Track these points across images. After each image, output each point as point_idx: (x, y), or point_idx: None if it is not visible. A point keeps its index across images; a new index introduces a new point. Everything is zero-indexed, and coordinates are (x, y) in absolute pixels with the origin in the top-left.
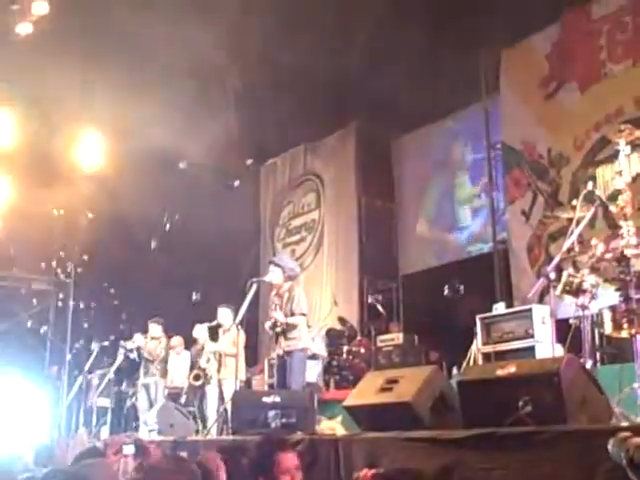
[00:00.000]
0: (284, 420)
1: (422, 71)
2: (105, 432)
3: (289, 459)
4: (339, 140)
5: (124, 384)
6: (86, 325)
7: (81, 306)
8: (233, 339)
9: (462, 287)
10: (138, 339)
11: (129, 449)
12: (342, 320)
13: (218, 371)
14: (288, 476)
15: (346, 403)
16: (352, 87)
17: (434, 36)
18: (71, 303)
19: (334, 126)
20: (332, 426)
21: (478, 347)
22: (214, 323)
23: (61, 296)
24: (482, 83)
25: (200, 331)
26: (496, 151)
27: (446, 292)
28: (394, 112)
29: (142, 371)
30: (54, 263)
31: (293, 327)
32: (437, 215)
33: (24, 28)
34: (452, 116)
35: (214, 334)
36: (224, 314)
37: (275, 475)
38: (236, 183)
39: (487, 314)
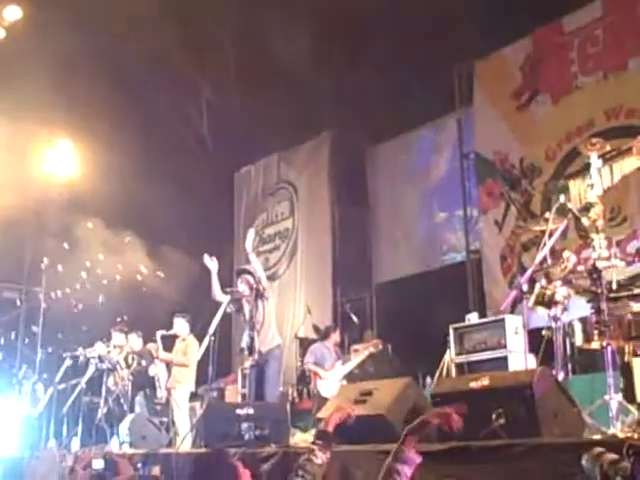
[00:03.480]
0: (257, 432)
1: (396, 81)
2: (76, 444)
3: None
4: (313, 149)
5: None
6: (58, 334)
7: (50, 315)
8: (183, 349)
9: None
10: (99, 347)
11: (98, 464)
12: (316, 328)
13: (167, 380)
14: None
15: (319, 415)
16: (326, 95)
17: (409, 47)
18: (41, 311)
19: (308, 134)
20: (306, 439)
21: (451, 357)
22: (170, 332)
23: (30, 305)
24: (456, 94)
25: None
26: (469, 161)
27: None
28: (368, 121)
29: (106, 380)
30: (23, 271)
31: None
32: (411, 224)
33: None
34: (426, 126)
35: (168, 343)
36: (179, 324)
37: None
38: None
39: (460, 324)
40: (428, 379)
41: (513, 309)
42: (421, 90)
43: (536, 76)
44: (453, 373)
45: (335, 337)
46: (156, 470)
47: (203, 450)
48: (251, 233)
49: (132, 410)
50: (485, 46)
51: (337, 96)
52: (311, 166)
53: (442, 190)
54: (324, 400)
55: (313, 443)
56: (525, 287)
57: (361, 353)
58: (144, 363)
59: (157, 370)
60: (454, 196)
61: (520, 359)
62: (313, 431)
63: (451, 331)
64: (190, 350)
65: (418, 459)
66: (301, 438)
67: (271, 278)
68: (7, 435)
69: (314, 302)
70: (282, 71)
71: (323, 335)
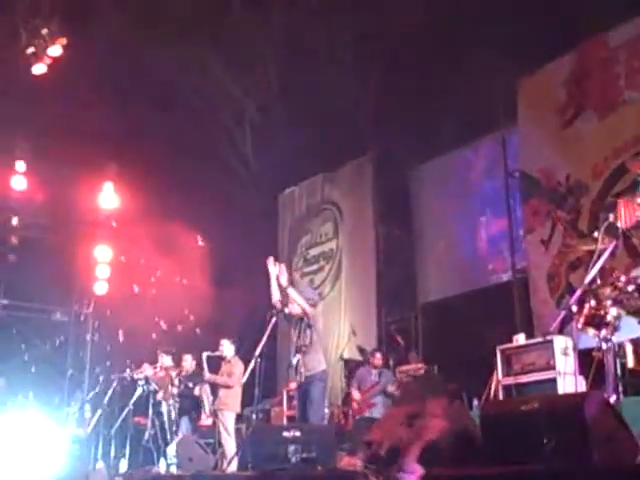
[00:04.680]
0: (304, 455)
1: (439, 101)
2: (123, 465)
3: None
4: (357, 169)
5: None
6: (105, 357)
7: (97, 338)
8: (229, 370)
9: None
10: (146, 369)
11: None
12: (361, 350)
13: (212, 402)
14: None
15: (367, 438)
16: (370, 116)
17: (451, 66)
18: (89, 335)
19: (352, 155)
20: (353, 462)
21: (498, 379)
22: (216, 353)
23: (80, 328)
24: (499, 112)
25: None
26: (514, 180)
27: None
28: (412, 141)
29: (153, 401)
30: (73, 295)
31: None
32: (455, 244)
33: (39, 69)
34: (470, 144)
35: (215, 365)
36: (225, 345)
37: None
38: None
39: (507, 345)
40: (475, 401)
41: (562, 330)
42: (464, 108)
43: (581, 92)
44: (500, 395)
45: (374, 360)
46: None
47: (250, 473)
48: (283, 271)
49: (178, 432)
50: (528, 63)
51: (381, 116)
52: (355, 187)
53: (487, 209)
54: (369, 422)
55: (366, 467)
56: (574, 308)
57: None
58: (191, 385)
59: (202, 392)
60: (499, 215)
61: (569, 381)
62: (360, 454)
63: (498, 352)
64: (235, 371)
65: (420, 470)
66: (347, 461)
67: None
68: (56, 456)
69: (359, 323)
70: (326, 91)
71: (365, 359)
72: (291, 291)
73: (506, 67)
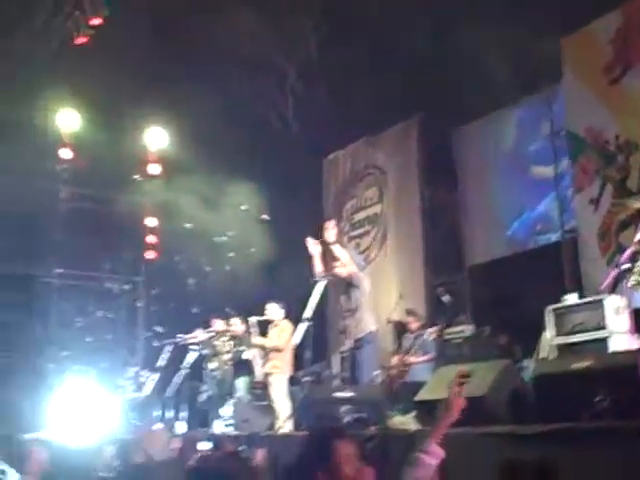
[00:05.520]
0: (356, 415)
1: (483, 61)
2: (180, 427)
3: (347, 447)
4: (401, 132)
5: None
6: (157, 322)
7: (150, 304)
8: (277, 333)
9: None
10: (199, 333)
11: (205, 445)
12: (410, 312)
13: (263, 365)
14: (349, 464)
15: (418, 398)
16: (413, 78)
17: (496, 26)
18: (142, 301)
19: (395, 118)
20: (405, 421)
21: (548, 339)
22: (263, 318)
23: (132, 295)
24: (544, 71)
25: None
26: (560, 139)
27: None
28: (455, 102)
29: (207, 365)
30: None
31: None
32: (503, 205)
33: (81, 39)
34: (514, 105)
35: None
36: (273, 309)
37: (336, 465)
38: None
39: (557, 305)
40: (525, 361)
41: (613, 289)
42: (508, 67)
43: (628, 49)
44: (550, 355)
45: (409, 325)
46: (260, 451)
47: (305, 432)
48: (331, 226)
49: (232, 394)
50: (572, 21)
51: (423, 78)
52: (399, 150)
53: (532, 169)
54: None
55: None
56: (625, 266)
57: None
58: (243, 348)
59: (252, 355)
60: (545, 175)
61: (621, 340)
62: (412, 414)
63: (548, 312)
64: (283, 334)
65: (442, 453)
66: (400, 421)
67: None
68: (116, 418)
69: (406, 286)
70: (367, 55)
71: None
72: (337, 248)
73: (550, 25)
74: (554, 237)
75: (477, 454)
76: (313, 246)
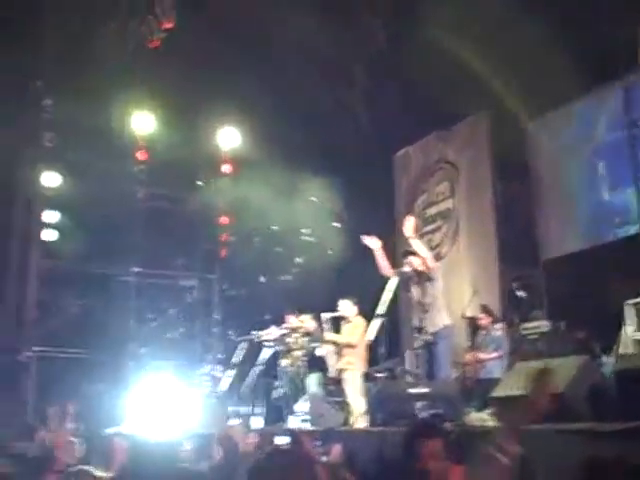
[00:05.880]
0: (432, 411)
1: (554, 52)
2: (256, 423)
3: (435, 444)
4: (472, 126)
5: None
6: (232, 320)
7: (224, 301)
8: (350, 330)
9: None
10: (273, 330)
11: (282, 440)
12: (485, 308)
13: (336, 361)
14: (435, 460)
15: (494, 394)
16: (484, 72)
17: (568, 17)
18: (216, 298)
19: (466, 112)
20: (481, 417)
21: (628, 334)
22: (336, 314)
23: (207, 292)
24: (620, 61)
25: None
26: (638, 130)
27: None
28: (528, 95)
29: (282, 362)
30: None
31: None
32: (577, 198)
33: (154, 42)
34: (587, 96)
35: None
36: (345, 305)
37: (423, 460)
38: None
39: (637, 299)
40: (603, 357)
41: None
42: (583, 58)
43: None
44: (630, 350)
45: (479, 321)
46: (336, 447)
47: (382, 428)
48: (410, 221)
49: (306, 390)
50: None
51: (495, 71)
52: (471, 144)
53: (609, 161)
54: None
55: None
56: None
57: None
58: (317, 345)
59: (325, 351)
60: (622, 166)
61: None
62: (488, 410)
63: (628, 307)
64: (356, 331)
65: (518, 449)
66: (477, 417)
67: (435, 259)
68: (194, 413)
69: (480, 282)
70: (438, 49)
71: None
72: (414, 241)
73: (627, 15)
74: (633, 230)
75: (556, 451)
76: (370, 241)
